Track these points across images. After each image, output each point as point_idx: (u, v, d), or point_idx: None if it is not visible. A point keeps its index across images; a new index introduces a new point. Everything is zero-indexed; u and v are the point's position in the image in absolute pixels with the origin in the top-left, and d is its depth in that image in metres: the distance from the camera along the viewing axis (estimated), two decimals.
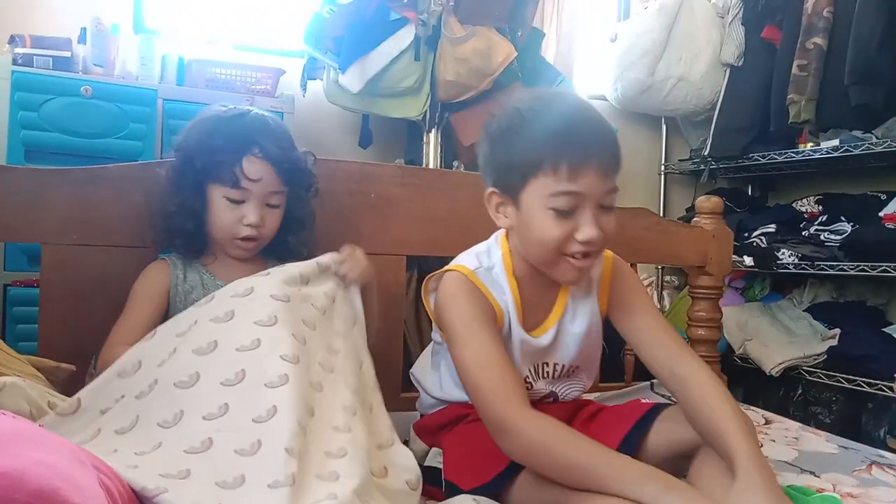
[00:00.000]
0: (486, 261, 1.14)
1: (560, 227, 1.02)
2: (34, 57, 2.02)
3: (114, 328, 1.21)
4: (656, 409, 1.11)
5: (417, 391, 1.32)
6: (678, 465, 1.03)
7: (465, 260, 1.14)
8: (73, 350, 1.26)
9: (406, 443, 1.22)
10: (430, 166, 2.51)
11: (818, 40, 2.53)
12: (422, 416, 1.25)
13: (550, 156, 1.00)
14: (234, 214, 1.24)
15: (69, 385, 1.21)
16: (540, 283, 1.14)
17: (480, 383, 1.01)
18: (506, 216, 1.10)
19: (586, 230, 1.02)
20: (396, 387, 1.58)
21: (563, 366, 1.19)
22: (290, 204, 1.32)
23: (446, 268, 1.14)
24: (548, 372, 1.18)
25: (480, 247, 1.18)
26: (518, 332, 1.13)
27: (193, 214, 1.26)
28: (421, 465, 1.14)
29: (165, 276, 1.27)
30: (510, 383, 1.01)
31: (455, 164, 2.55)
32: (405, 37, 2.35)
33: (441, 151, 2.56)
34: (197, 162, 1.24)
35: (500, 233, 1.17)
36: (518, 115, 1.05)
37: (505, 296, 1.12)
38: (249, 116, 1.28)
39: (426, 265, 2.23)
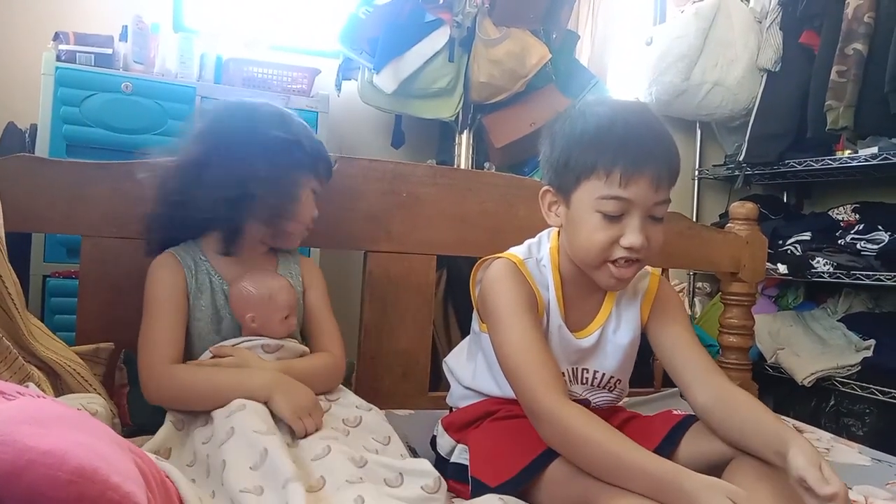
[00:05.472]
0: (536, 252, 1.17)
1: (606, 231, 1.04)
2: (77, 54, 2.07)
3: (147, 341, 1.14)
4: (688, 421, 1.10)
5: (444, 391, 1.32)
6: (709, 475, 1.03)
7: (517, 249, 1.17)
8: (110, 340, 1.29)
9: (434, 438, 1.23)
10: (462, 167, 2.52)
11: (858, 46, 2.49)
12: (451, 409, 1.26)
13: (605, 159, 1.02)
14: (312, 207, 1.30)
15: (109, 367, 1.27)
16: (584, 284, 1.14)
17: (520, 368, 1.03)
18: (557, 215, 1.12)
19: (631, 236, 1.03)
20: (424, 385, 1.59)
21: (604, 374, 1.18)
22: None
23: (496, 255, 1.16)
24: (587, 378, 1.18)
25: (533, 239, 1.20)
26: (559, 328, 1.14)
27: (283, 206, 1.25)
28: (448, 461, 1.15)
29: (181, 277, 1.20)
30: (549, 370, 1.02)
31: (486, 165, 2.55)
32: (440, 38, 2.37)
33: (473, 153, 2.56)
34: (297, 153, 1.24)
35: (553, 228, 1.18)
36: (582, 117, 1.06)
37: (548, 290, 1.14)
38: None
39: (455, 266, 2.24)
